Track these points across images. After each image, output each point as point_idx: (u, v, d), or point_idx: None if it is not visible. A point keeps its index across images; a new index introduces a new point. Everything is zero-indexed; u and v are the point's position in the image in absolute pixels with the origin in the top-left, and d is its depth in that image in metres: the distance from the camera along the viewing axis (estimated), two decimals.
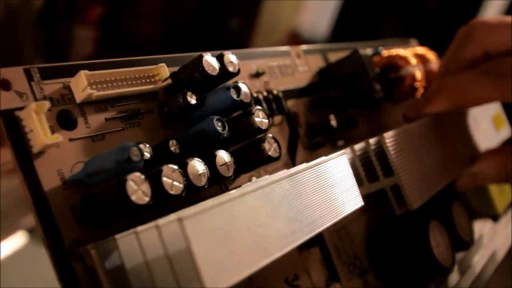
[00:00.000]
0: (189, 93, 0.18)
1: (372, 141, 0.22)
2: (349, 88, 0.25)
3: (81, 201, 0.16)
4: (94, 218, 0.15)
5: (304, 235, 0.16)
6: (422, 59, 0.28)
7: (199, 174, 0.16)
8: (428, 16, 1.21)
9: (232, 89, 0.18)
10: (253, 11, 1.26)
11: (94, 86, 0.16)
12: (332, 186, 0.18)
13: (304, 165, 0.18)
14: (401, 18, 1.25)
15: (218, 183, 0.20)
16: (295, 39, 1.29)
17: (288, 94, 0.24)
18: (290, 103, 0.24)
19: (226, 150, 0.18)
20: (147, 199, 0.14)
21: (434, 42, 0.34)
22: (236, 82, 0.19)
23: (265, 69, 0.23)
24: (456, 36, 0.26)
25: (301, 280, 0.20)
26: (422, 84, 0.27)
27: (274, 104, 0.23)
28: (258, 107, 0.19)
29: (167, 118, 0.18)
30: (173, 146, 0.17)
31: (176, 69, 0.19)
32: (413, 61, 0.27)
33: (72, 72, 0.16)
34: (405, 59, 0.27)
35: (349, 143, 0.24)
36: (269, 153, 0.19)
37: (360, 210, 0.24)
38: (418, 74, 0.27)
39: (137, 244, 0.14)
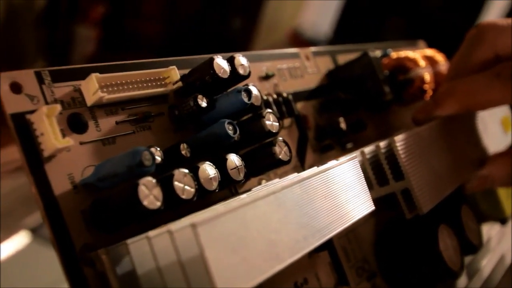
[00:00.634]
0: (200, 96, 0.18)
1: (382, 144, 0.22)
2: (358, 90, 0.25)
3: (91, 205, 0.15)
4: (105, 223, 0.15)
5: (316, 241, 0.16)
6: (431, 61, 0.28)
7: (210, 178, 0.16)
8: (430, 16, 1.21)
9: (243, 92, 0.18)
10: (255, 10, 1.26)
11: (105, 89, 0.16)
12: (344, 191, 0.18)
13: (316, 169, 0.17)
14: (403, 18, 1.25)
15: (228, 187, 0.19)
16: (297, 39, 1.29)
17: (298, 96, 0.24)
18: (299, 106, 0.24)
19: (236, 154, 0.18)
20: (158, 203, 0.14)
21: (437, 42, 0.34)
22: (247, 85, 0.18)
23: (274, 71, 0.23)
24: (466, 38, 0.26)
25: (310, 283, 0.20)
26: (431, 86, 0.27)
27: (284, 106, 0.23)
28: (269, 110, 0.19)
29: (178, 121, 0.18)
30: (184, 149, 0.17)
31: (186, 71, 0.19)
32: (422, 63, 0.27)
33: (83, 75, 0.16)
34: (414, 61, 0.26)
35: (358, 145, 0.24)
36: (280, 156, 0.18)
37: (369, 214, 0.24)
38: (427, 76, 0.27)
39: (149, 249, 0.14)
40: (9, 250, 0.39)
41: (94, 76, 0.16)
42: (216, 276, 0.12)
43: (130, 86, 0.17)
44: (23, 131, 0.15)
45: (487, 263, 0.27)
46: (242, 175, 0.17)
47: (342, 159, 0.19)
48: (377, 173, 0.22)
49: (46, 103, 0.15)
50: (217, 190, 0.16)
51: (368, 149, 0.22)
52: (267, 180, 0.21)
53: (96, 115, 0.16)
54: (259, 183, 0.21)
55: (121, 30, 1.09)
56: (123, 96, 0.17)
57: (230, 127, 0.17)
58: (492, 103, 0.24)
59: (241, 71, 0.18)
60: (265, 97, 0.22)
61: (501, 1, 1.12)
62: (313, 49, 0.26)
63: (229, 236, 0.13)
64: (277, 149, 0.18)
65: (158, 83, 0.18)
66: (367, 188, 0.19)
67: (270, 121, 0.19)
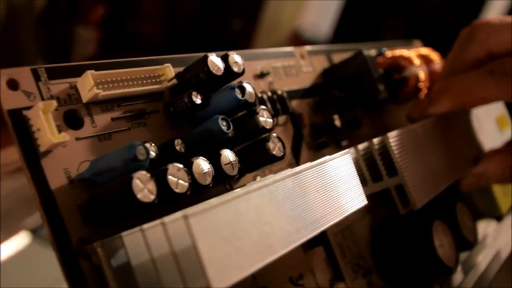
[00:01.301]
0: (194, 93, 0.18)
1: (376, 140, 0.22)
2: (353, 89, 0.25)
3: (87, 199, 0.16)
4: (101, 217, 0.16)
5: (308, 233, 0.16)
6: (425, 59, 0.28)
7: (204, 173, 0.16)
8: (429, 16, 1.21)
9: (237, 89, 0.18)
10: (255, 11, 1.26)
11: (100, 86, 0.16)
12: (336, 185, 0.18)
13: (308, 164, 0.18)
14: (402, 18, 1.26)
15: (223, 182, 0.20)
16: (297, 39, 1.29)
17: (293, 94, 0.24)
18: (294, 104, 0.24)
19: (231, 150, 0.18)
20: (152, 197, 0.14)
21: (435, 42, 0.34)
22: (241, 82, 0.19)
23: (269, 70, 0.23)
24: (459, 37, 0.26)
25: (306, 279, 0.21)
26: (426, 85, 0.27)
27: (278, 104, 0.23)
28: (263, 106, 0.19)
29: (173, 118, 0.19)
30: (178, 145, 0.17)
31: (181, 69, 0.19)
32: (417, 61, 0.27)
33: (78, 72, 0.17)
34: (408, 60, 0.27)
35: (353, 143, 0.24)
36: (274, 152, 0.19)
37: (365, 210, 0.24)
38: (422, 75, 0.27)
39: (143, 242, 0.14)
40: (9, 250, 0.39)
41: (89, 73, 0.16)
42: (208, 267, 0.13)
43: (126, 83, 0.17)
44: (20, 126, 0.15)
45: (482, 260, 0.27)
46: (236, 170, 0.18)
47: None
48: (371, 169, 0.22)
49: (43, 99, 0.16)
50: (211, 185, 0.17)
51: (362, 146, 0.22)
52: (262, 176, 0.21)
53: (92, 112, 0.17)
54: (254, 179, 0.21)
55: (121, 30, 1.09)
56: (119, 93, 0.17)
57: (224, 123, 0.18)
58: (486, 100, 0.25)
59: (235, 69, 0.19)
60: (259, 95, 0.22)
61: (501, 1, 1.12)
62: (308, 48, 0.26)
63: (222, 228, 0.13)
64: (271, 145, 0.19)
65: (153, 80, 0.18)
66: (359, 182, 0.19)
67: (264, 118, 0.19)
